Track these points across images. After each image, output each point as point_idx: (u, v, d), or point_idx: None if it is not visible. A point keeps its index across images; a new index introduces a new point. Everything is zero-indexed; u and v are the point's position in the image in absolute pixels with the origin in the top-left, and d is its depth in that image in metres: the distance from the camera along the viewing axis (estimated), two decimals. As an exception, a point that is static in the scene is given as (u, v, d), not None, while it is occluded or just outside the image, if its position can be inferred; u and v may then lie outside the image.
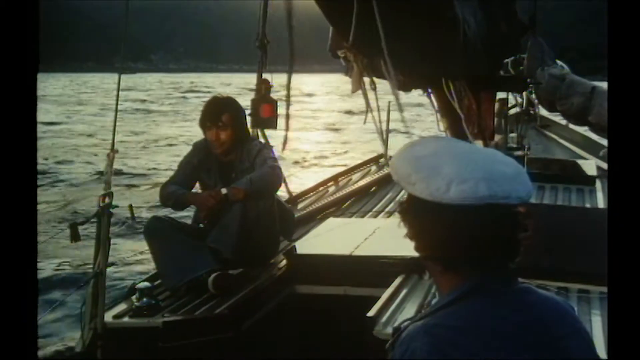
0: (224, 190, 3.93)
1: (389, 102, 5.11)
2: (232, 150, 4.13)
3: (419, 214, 1.48)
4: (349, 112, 32.18)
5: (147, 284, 3.55)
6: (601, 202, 5.29)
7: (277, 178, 4.13)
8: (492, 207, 1.38)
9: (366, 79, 2.86)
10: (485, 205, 1.37)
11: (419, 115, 24.06)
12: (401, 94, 2.84)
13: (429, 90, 3.69)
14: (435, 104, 3.71)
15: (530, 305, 1.45)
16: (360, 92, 2.89)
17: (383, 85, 2.70)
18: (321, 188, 6.65)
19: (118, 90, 3.29)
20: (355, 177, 7.09)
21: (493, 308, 1.43)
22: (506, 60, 5.46)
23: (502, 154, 1.55)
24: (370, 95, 2.87)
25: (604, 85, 6.11)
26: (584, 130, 7.96)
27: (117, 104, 3.28)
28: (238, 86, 51.25)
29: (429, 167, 1.42)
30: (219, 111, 4.09)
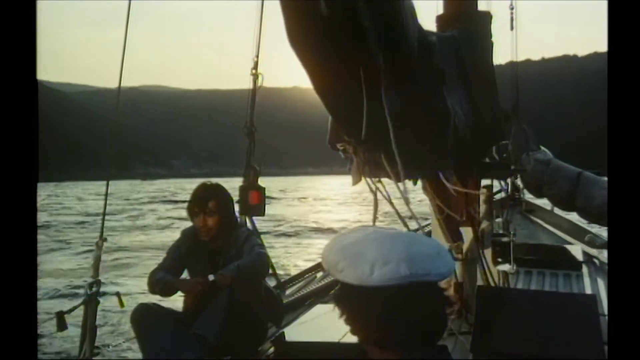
0: (211, 277, 3.91)
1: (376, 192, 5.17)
2: (220, 237, 4.14)
3: (349, 300, 1.54)
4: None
5: (132, 373, 3.50)
6: (588, 287, 5.29)
7: (264, 265, 4.12)
8: (416, 286, 1.44)
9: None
10: (408, 284, 1.43)
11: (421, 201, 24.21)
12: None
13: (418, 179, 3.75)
14: (426, 191, 3.77)
15: None
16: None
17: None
18: (309, 274, 6.63)
19: (107, 186, 3.35)
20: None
21: None
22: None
23: (424, 236, 1.62)
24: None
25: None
26: (568, 215, 8.02)
27: (106, 195, 3.33)
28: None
29: (354, 253, 1.49)
30: (206, 198, 4.13)
